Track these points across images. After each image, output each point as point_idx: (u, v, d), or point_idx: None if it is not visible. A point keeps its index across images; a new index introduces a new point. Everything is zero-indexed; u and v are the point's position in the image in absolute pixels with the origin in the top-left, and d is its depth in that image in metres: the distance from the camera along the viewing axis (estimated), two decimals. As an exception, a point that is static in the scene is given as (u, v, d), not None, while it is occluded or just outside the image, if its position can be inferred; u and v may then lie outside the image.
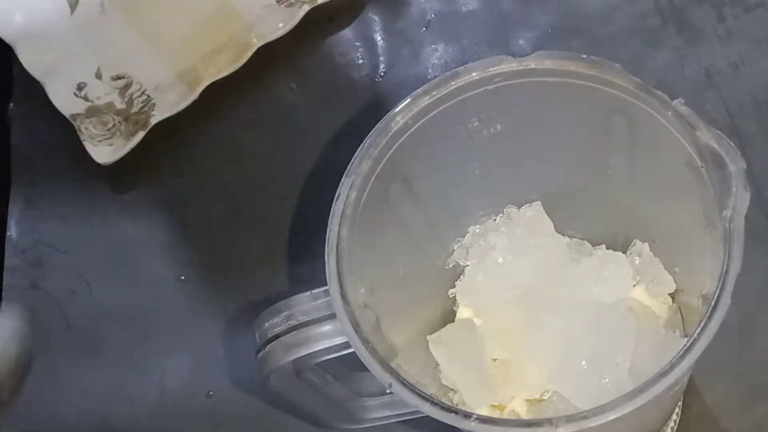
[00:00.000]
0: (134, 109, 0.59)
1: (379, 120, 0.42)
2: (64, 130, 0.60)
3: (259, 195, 0.59)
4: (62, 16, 0.63)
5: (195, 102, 0.59)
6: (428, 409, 0.36)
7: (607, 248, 0.48)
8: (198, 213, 0.59)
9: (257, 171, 0.59)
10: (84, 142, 0.58)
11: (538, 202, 0.47)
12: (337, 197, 0.41)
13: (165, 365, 0.55)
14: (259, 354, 0.41)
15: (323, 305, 0.40)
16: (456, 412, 0.36)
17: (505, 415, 0.44)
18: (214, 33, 0.61)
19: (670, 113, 0.40)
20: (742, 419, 0.49)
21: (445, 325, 0.47)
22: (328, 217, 0.41)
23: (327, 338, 0.40)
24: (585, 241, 0.49)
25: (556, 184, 0.47)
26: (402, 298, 0.45)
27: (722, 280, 0.36)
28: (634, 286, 0.46)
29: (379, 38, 0.62)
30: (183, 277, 0.57)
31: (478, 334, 0.45)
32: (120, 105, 0.60)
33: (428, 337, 0.44)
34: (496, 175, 0.47)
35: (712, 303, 0.36)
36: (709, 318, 0.36)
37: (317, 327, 0.40)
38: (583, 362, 0.42)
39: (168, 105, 0.59)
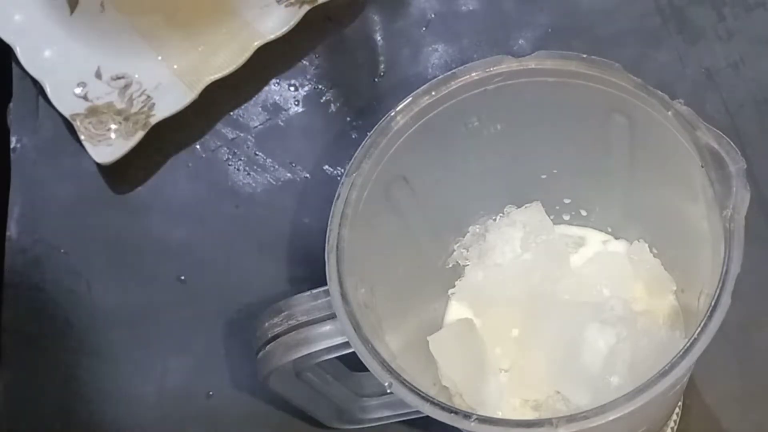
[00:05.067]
0: (134, 109, 0.59)
1: (379, 120, 0.42)
2: (64, 130, 0.60)
3: (258, 195, 0.58)
4: (62, 16, 0.63)
5: (195, 102, 0.59)
6: (428, 409, 0.36)
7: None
8: (198, 213, 0.59)
9: (257, 171, 0.59)
10: (84, 142, 0.58)
11: (538, 202, 0.47)
12: (337, 197, 0.41)
13: (165, 365, 0.55)
14: (259, 354, 0.41)
15: (323, 305, 0.40)
16: (456, 412, 0.36)
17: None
18: (213, 33, 0.61)
19: (670, 113, 0.40)
20: (742, 419, 0.49)
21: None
22: (328, 217, 0.41)
23: (327, 338, 0.40)
24: (585, 238, 0.49)
25: (556, 184, 0.47)
26: (402, 298, 0.45)
27: (722, 280, 0.36)
28: (634, 286, 0.46)
29: (379, 38, 0.62)
30: (183, 277, 0.57)
31: (478, 334, 0.45)
32: (120, 105, 0.60)
33: (428, 338, 0.44)
34: (496, 175, 0.47)
35: (712, 303, 0.36)
36: (709, 318, 0.36)
37: (317, 327, 0.40)
38: (583, 362, 0.42)
39: (168, 105, 0.59)
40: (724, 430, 0.49)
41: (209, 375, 0.54)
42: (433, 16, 0.62)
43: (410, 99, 0.42)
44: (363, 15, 0.63)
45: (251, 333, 0.42)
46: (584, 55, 0.41)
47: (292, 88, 0.62)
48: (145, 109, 0.59)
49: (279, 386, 0.43)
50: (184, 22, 0.62)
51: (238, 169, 0.59)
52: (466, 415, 0.36)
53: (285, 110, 0.61)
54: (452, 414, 0.36)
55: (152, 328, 0.56)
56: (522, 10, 0.61)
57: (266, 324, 0.41)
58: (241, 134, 0.60)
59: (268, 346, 0.41)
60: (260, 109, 0.61)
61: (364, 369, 0.38)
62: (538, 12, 0.61)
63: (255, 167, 0.59)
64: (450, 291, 0.48)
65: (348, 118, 0.60)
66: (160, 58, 0.61)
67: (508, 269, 0.46)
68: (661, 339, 0.42)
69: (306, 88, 0.61)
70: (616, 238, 0.49)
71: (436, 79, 0.42)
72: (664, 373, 0.35)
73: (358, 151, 0.42)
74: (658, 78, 0.55)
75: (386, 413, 0.47)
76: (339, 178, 0.42)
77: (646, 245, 0.46)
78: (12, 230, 0.59)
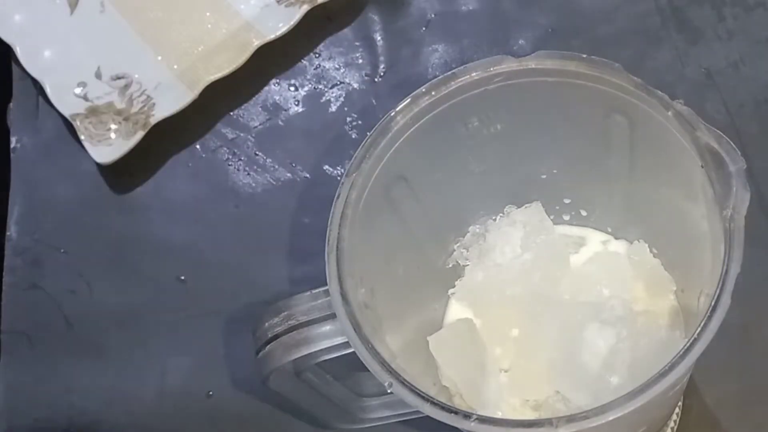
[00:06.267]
0: (134, 109, 0.59)
1: (379, 120, 0.42)
2: (64, 130, 0.60)
3: (258, 195, 0.59)
4: (62, 16, 0.63)
5: (195, 102, 0.59)
6: (428, 409, 0.36)
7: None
8: (198, 213, 0.59)
9: (257, 171, 0.59)
10: (84, 142, 0.58)
11: (538, 202, 0.47)
12: (337, 197, 0.41)
13: (165, 365, 0.55)
14: (259, 354, 0.41)
15: (323, 305, 0.40)
16: (456, 412, 0.36)
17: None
18: (213, 33, 0.61)
19: (670, 113, 0.40)
20: (742, 419, 0.49)
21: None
22: (328, 217, 0.41)
23: (327, 338, 0.40)
24: (585, 238, 0.49)
25: (556, 184, 0.47)
26: (402, 298, 0.45)
27: (722, 280, 0.36)
28: (634, 286, 0.46)
29: (379, 38, 0.62)
30: (183, 277, 0.57)
31: (478, 334, 0.45)
32: (120, 105, 0.60)
33: (428, 338, 0.43)
34: (496, 175, 0.47)
35: (712, 303, 0.36)
36: (709, 318, 0.36)
37: (317, 327, 0.40)
38: (583, 362, 0.42)
39: (168, 105, 0.59)
40: (724, 430, 0.49)
41: (209, 375, 0.54)
42: (433, 16, 0.62)
43: (410, 99, 0.42)
44: (363, 15, 0.63)
45: (251, 333, 0.42)
46: (584, 55, 0.41)
47: (292, 88, 0.62)
48: (145, 109, 0.59)
49: (279, 386, 0.43)
50: (183, 22, 0.62)
51: (238, 169, 0.59)
52: (466, 415, 0.36)
53: (285, 110, 0.61)
54: (452, 414, 0.36)
55: (152, 328, 0.56)
56: (522, 10, 0.61)
57: (266, 324, 0.41)
58: (241, 134, 0.60)
59: (268, 346, 0.41)
60: (260, 109, 0.61)
61: (364, 369, 0.38)
62: (538, 12, 0.61)
63: (255, 167, 0.59)
64: (450, 291, 0.48)
65: (348, 118, 0.60)
66: (160, 58, 0.61)
67: (508, 269, 0.46)
68: (661, 339, 0.42)
69: (306, 88, 0.61)
70: (616, 238, 0.49)
71: (436, 79, 0.42)
72: (664, 373, 0.35)
73: (358, 151, 0.42)
74: (658, 78, 0.56)
75: (386, 413, 0.47)
76: (339, 178, 0.42)
77: (646, 245, 0.46)
78: (12, 230, 0.59)
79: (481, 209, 0.48)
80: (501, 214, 0.48)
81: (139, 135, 0.58)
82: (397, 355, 0.40)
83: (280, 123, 0.61)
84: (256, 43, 0.60)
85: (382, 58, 0.61)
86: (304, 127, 0.60)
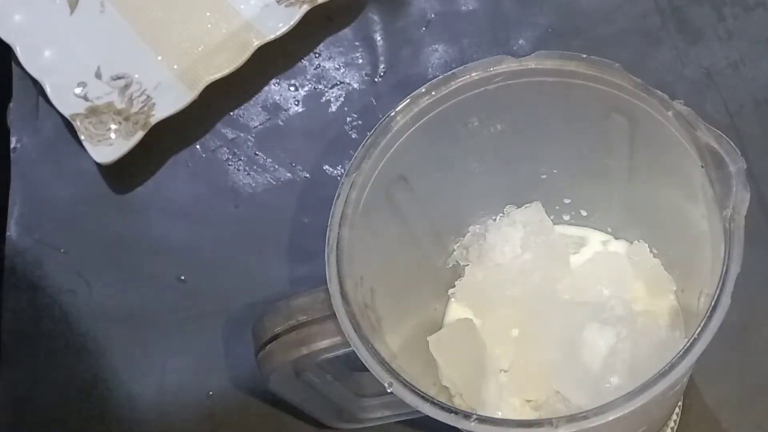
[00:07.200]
0: (134, 109, 0.59)
1: (379, 120, 0.42)
2: (64, 130, 0.60)
3: (258, 195, 0.59)
4: (62, 16, 0.63)
5: (195, 102, 0.59)
6: (428, 409, 0.36)
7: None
8: (198, 213, 0.59)
9: (257, 171, 0.59)
10: (84, 142, 0.58)
11: (538, 202, 0.47)
12: (337, 197, 0.41)
13: (165, 365, 0.55)
14: (259, 354, 0.41)
15: (323, 305, 0.40)
16: (456, 412, 0.36)
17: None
18: (213, 33, 0.61)
19: (670, 113, 0.40)
20: (742, 419, 0.49)
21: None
22: (328, 217, 0.41)
23: (327, 338, 0.40)
24: (585, 238, 0.49)
25: (556, 184, 0.47)
26: (402, 298, 0.45)
27: (722, 280, 0.36)
28: (634, 286, 0.46)
29: (379, 38, 0.62)
30: (183, 277, 0.57)
31: (478, 334, 0.45)
32: (120, 105, 0.60)
33: (428, 338, 0.43)
34: (496, 175, 0.47)
35: (712, 303, 0.36)
36: (709, 318, 0.36)
37: (317, 327, 0.40)
38: (583, 362, 0.42)
39: (168, 105, 0.59)
40: (724, 430, 0.49)
41: (209, 375, 0.54)
42: (433, 16, 0.62)
43: (410, 99, 0.42)
44: (363, 15, 0.63)
45: (251, 333, 0.42)
46: (584, 55, 0.41)
47: (292, 88, 0.62)
48: (145, 109, 0.59)
49: (279, 386, 0.43)
50: (183, 22, 0.62)
51: (238, 169, 0.59)
52: (466, 415, 0.36)
53: (285, 110, 0.61)
54: (452, 414, 0.36)
55: (152, 328, 0.56)
56: (522, 10, 0.61)
57: (266, 324, 0.41)
58: (241, 134, 0.60)
59: (268, 346, 0.41)
60: (260, 109, 0.61)
61: (364, 369, 0.38)
62: (538, 12, 0.61)
63: (255, 167, 0.59)
64: (450, 291, 0.48)
65: (348, 118, 0.60)
66: (160, 58, 0.61)
67: (508, 269, 0.46)
68: (661, 339, 0.42)
69: (306, 88, 0.61)
70: (616, 238, 0.49)
71: (436, 79, 0.42)
72: (664, 373, 0.35)
73: (358, 151, 0.42)
74: (658, 78, 0.56)
75: (386, 413, 0.47)
76: (339, 178, 0.42)
77: (646, 245, 0.46)
78: (12, 230, 0.59)
79: (481, 209, 0.48)
80: (501, 214, 0.48)
81: (139, 135, 0.58)
82: (397, 355, 0.40)
83: (280, 123, 0.61)
84: (256, 43, 0.60)
85: (382, 58, 0.61)
86: (304, 127, 0.60)
